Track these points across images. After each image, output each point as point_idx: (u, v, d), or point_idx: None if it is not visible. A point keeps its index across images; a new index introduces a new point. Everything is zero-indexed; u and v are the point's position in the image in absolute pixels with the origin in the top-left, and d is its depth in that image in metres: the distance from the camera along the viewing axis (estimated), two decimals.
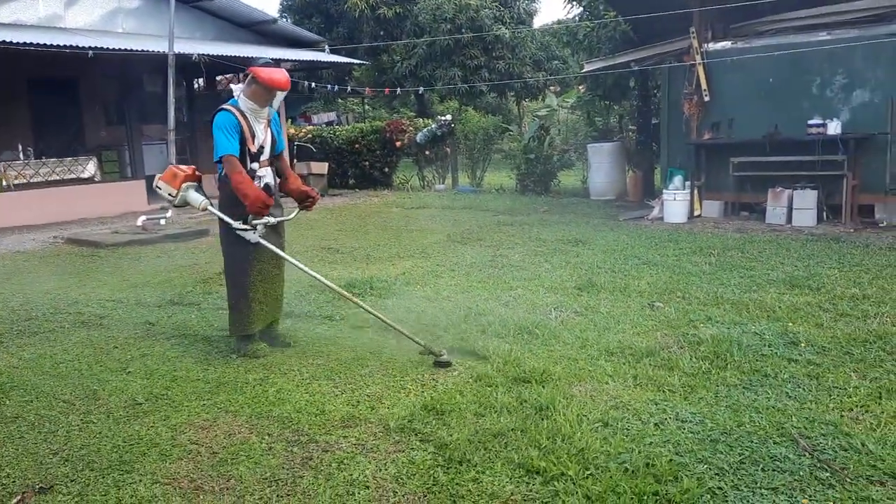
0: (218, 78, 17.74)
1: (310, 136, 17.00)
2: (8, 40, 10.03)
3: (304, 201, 4.69)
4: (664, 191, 10.54)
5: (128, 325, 5.45)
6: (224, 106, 4.48)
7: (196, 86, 16.57)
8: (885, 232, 8.67)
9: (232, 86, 4.31)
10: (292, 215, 4.73)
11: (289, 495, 2.90)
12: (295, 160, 16.40)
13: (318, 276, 4.65)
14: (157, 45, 11.77)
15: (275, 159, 4.70)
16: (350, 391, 3.96)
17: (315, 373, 4.26)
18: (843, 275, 6.36)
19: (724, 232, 9.12)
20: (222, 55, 12.65)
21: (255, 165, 4.51)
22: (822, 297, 5.60)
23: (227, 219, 4.46)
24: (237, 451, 3.28)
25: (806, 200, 9.33)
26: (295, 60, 15.94)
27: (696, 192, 10.42)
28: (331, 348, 4.70)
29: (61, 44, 10.66)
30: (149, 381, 4.21)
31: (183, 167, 4.66)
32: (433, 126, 15.70)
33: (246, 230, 4.43)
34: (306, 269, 4.56)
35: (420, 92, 19.07)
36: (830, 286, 5.94)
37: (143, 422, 3.63)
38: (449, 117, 15.88)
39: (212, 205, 4.52)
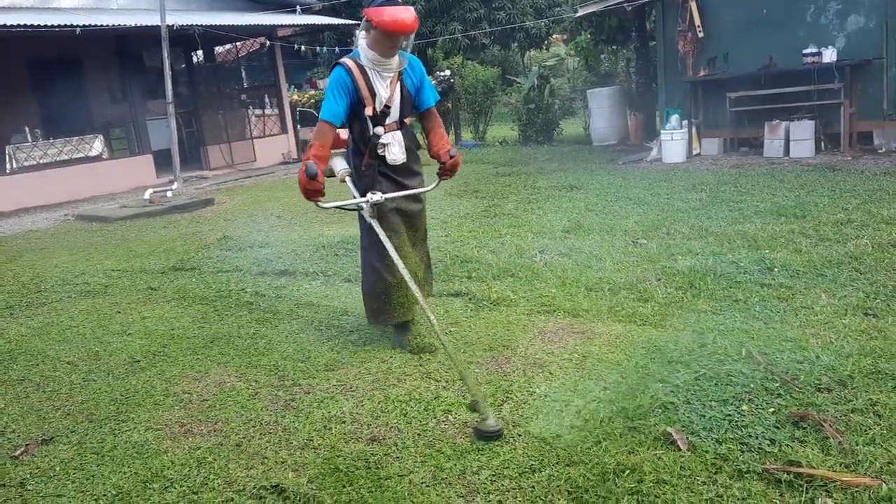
0: (217, 49, 17.77)
1: (313, 101, 17.06)
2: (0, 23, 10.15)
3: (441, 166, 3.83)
4: (661, 131, 10.50)
5: (131, 292, 5.67)
6: (342, 59, 3.71)
7: (195, 59, 16.62)
8: (883, 157, 8.61)
9: (357, 33, 3.77)
10: (430, 187, 3.94)
11: (270, 433, 3.09)
12: (298, 126, 16.51)
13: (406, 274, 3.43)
14: (150, 19, 11.84)
15: (420, 118, 3.95)
16: (335, 339, 4.15)
17: (303, 324, 4.46)
18: (831, 202, 6.39)
19: (721, 168, 9.11)
20: (213, 24, 12.69)
21: (380, 130, 3.71)
22: (805, 224, 5.65)
23: (354, 191, 3.83)
24: (225, 398, 3.49)
25: (803, 131, 9.26)
26: (293, 25, 15.90)
27: (694, 130, 10.38)
28: (321, 300, 4.89)
29: (52, 24, 10.75)
30: (147, 341, 4.43)
31: None
32: (433, 83, 15.64)
33: (359, 208, 3.74)
34: (400, 262, 3.48)
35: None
36: (816, 213, 5.98)
37: (139, 377, 3.85)
38: (448, 73, 15.81)
39: (351, 175, 3.86)
